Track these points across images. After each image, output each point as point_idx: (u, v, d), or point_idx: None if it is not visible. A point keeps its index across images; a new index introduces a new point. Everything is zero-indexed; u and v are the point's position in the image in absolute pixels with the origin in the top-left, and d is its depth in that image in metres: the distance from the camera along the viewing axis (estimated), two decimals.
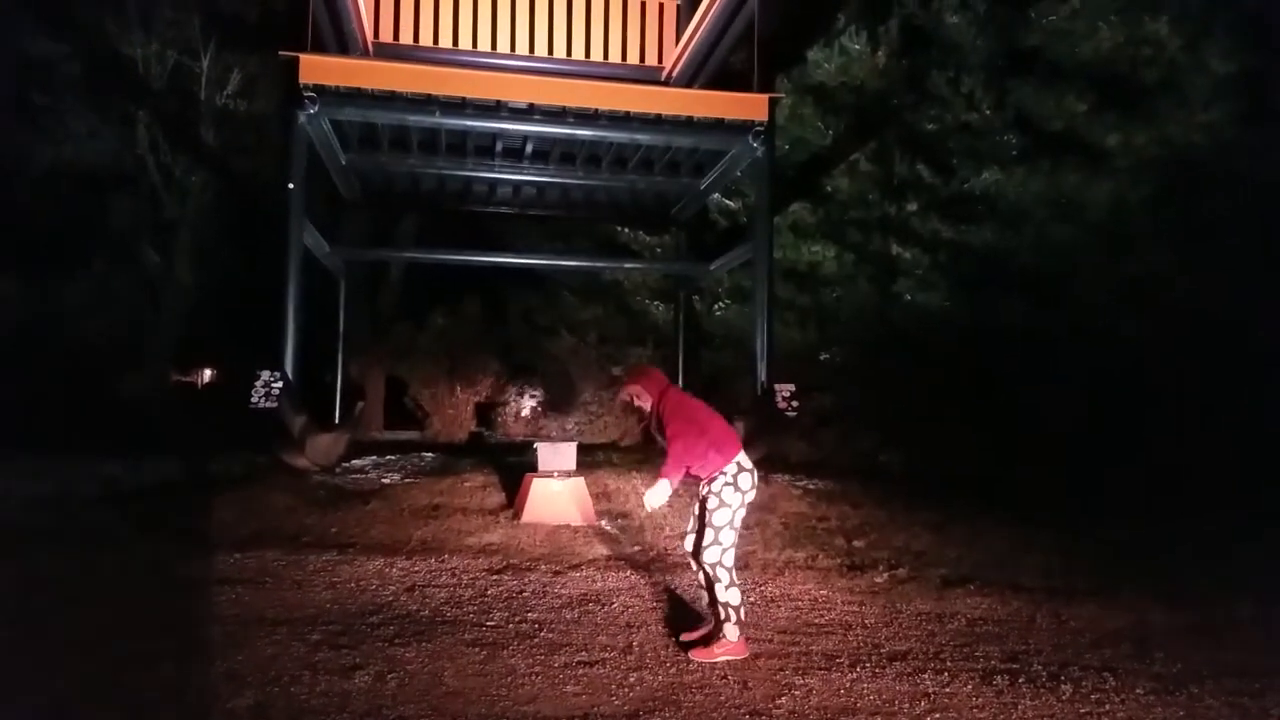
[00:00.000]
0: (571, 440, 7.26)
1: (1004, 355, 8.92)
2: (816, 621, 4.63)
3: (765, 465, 8.13)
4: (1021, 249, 8.95)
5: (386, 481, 7.55)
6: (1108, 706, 3.60)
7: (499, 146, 8.50)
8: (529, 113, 7.41)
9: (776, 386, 7.38)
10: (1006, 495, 7.74)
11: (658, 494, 3.99)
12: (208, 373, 15.13)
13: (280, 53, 6.87)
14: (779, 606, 4.86)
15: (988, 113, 8.97)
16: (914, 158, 9.54)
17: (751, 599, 4.95)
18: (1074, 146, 8.49)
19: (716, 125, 7.57)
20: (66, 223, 11.61)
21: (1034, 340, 8.74)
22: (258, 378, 6.62)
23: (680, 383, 10.59)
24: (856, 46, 9.72)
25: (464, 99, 7.21)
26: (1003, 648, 4.28)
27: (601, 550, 5.81)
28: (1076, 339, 8.54)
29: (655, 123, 7.52)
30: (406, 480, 7.60)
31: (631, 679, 3.77)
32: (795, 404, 7.34)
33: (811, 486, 7.62)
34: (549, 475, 6.51)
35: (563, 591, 4.97)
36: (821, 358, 10.28)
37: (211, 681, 3.55)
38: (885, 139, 9.84)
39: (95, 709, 3.25)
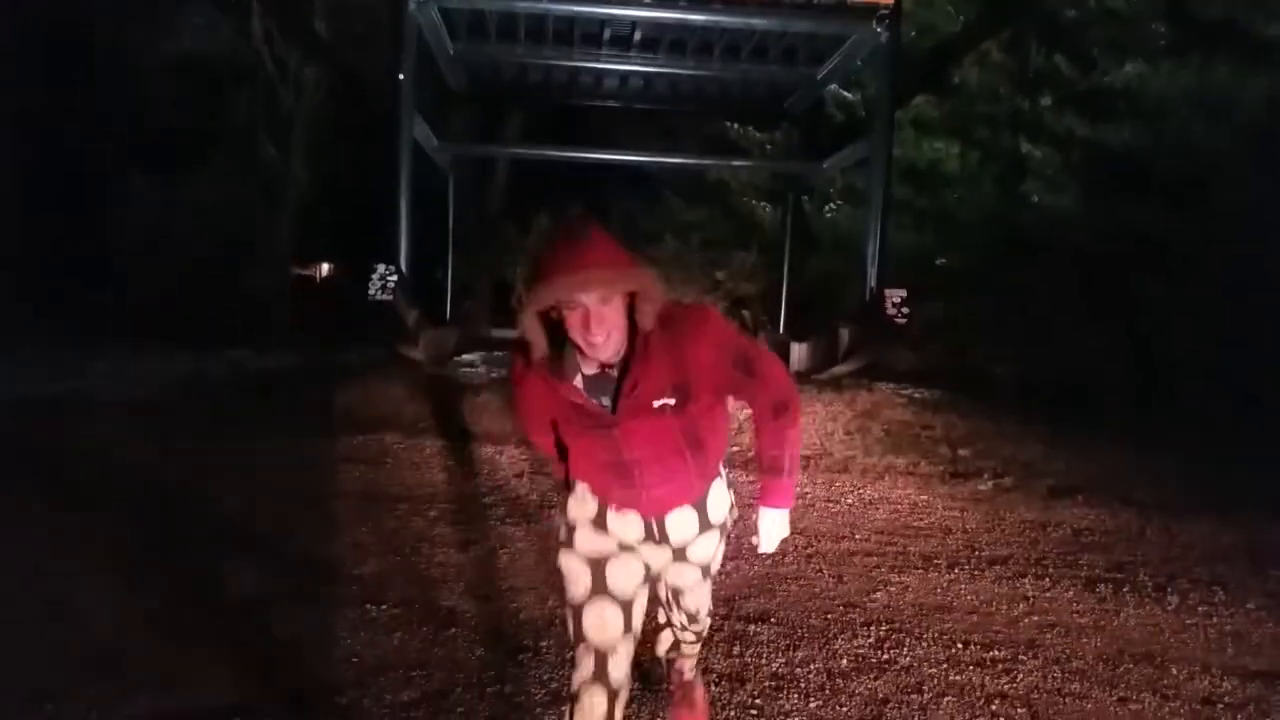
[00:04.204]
0: None
1: (1133, 264, 8.40)
2: (915, 524, 4.63)
3: (870, 373, 8.06)
4: (1161, 150, 8.31)
5: (495, 376, 7.81)
6: (1215, 619, 3.50)
7: (606, 34, 8.32)
8: None
9: (886, 292, 7.20)
10: (1126, 410, 7.42)
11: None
12: (325, 266, 15.74)
13: None
14: (877, 509, 4.87)
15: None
16: (1051, 48, 8.89)
17: (849, 501, 4.98)
18: (1230, 37, 7.72)
19: (838, 8, 7.21)
20: (187, 116, 12.03)
21: (1168, 249, 8.19)
22: (374, 270, 6.88)
23: (784, 289, 10.41)
24: None
25: None
26: (1108, 558, 4.18)
27: None
28: (1214, 249, 7.95)
29: (772, 5, 7.20)
30: None
31: (728, 567, 3.85)
32: (905, 310, 7.16)
33: (918, 395, 7.47)
34: None
35: None
36: (937, 263, 9.92)
37: (338, 550, 3.84)
38: (1021, 27, 9.17)
39: (233, 573, 3.55)
